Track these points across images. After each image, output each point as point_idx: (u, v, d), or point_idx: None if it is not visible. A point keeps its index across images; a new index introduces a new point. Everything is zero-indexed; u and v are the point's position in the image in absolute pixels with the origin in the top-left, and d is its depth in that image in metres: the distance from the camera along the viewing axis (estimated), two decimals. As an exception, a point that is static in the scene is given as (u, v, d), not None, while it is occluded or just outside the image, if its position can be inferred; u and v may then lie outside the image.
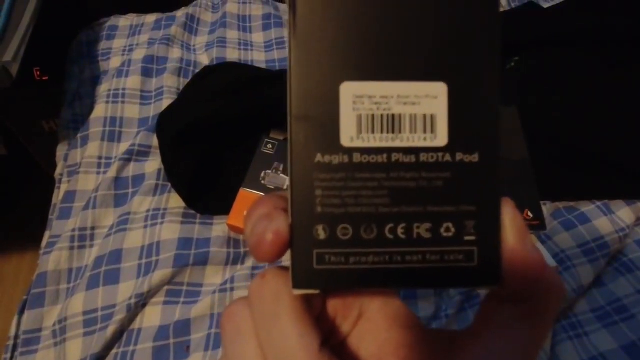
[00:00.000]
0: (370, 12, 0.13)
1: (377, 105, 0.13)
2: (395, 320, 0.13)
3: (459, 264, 0.13)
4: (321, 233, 0.13)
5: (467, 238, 0.13)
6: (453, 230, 0.13)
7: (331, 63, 0.13)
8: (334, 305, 0.14)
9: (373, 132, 0.13)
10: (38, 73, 0.70)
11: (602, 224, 0.48)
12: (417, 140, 0.13)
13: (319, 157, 0.14)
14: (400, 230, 0.14)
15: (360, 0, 0.13)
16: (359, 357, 0.13)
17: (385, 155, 0.13)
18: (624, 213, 0.49)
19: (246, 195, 0.46)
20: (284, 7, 0.71)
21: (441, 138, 0.13)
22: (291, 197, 0.14)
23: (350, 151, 0.13)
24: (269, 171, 0.48)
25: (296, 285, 0.13)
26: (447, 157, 0.13)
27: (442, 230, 0.13)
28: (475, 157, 0.13)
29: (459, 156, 0.13)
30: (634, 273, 0.45)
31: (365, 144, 0.13)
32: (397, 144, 0.13)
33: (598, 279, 0.46)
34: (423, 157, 0.13)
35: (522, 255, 0.13)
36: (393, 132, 0.13)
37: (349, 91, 0.13)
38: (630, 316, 0.43)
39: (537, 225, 0.44)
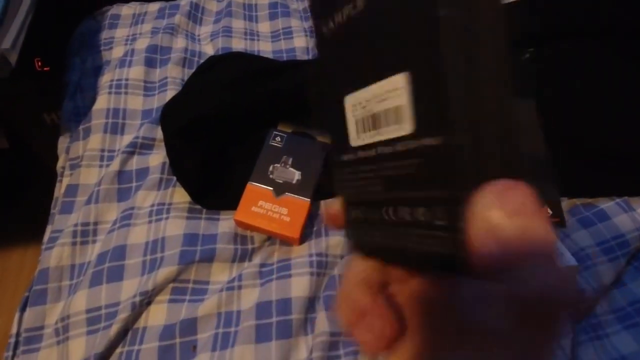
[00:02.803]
0: (355, 41, 0.15)
1: (364, 109, 0.15)
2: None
3: (434, 249, 0.13)
4: (349, 215, 0.17)
5: (437, 223, 0.13)
6: (427, 215, 0.13)
7: (338, 82, 0.16)
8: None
9: (364, 131, 0.15)
10: (39, 64, 0.68)
11: (622, 221, 0.46)
12: (392, 131, 0.14)
13: (342, 157, 0.17)
14: (391, 213, 0.15)
15: (350, 34, 0.15)
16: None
17: (374, 150, 0.15)
18: (645, 210, 0.47)
19: (254, 190, 0.44)
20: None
21: (407, 126, 0.13)
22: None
23: (355, 150, 0.16)
24: (278, 165, 0.46)
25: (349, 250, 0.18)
26: (414, 144, 0.13)
27: (419, 214, 0.14)
28: (438, 140, 0.13)
29: (426, 141, 0.13)
30: (656, 272, 0.44)
31: (362, 142, 0.16)
32: (379, 137, 0.15)
33: (618, 279, 0.44)
34: (397, 146, 0.14)
35: (485, 248, 0.11)
36: (375, 128, 0.15)
37: (349, 102, 0.16)
38: (652, 317, 0.41)
39: (555, 222, 0.43)
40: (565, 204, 0.50)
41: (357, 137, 0.16)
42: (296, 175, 0.45)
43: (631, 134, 0.50)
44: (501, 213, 0.11)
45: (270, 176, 0.45)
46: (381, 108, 0.14)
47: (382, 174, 0.15)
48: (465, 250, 0.12)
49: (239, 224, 0.44)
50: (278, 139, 0.47)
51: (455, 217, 0.12)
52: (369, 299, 0.16)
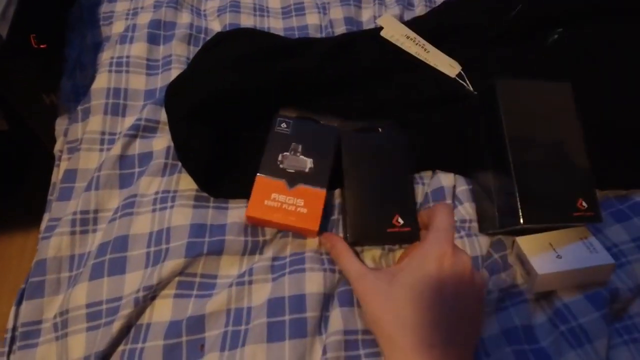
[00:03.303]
0: None
1: None
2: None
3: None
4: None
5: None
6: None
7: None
8: None
9: None
10: (35, 41, 0.64)
11: (661, 216, 0.43)
12: None
13: None
14: None
15: None
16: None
17: None
18: (686, 204, 0.44)
19: (264, 182, 0.41)
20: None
21: None
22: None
23: None
24: (287, 153, 0.42)
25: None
26: None
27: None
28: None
29: None
30: (696, 271, 0.41)
31: None
32: None
33: (656, 277, 0.41)
34: None
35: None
36: None
37: None
38: (692, 319, 0.38)
39: (590, 216, 0.39)
40: (597, 196, 0.47)
41: None
42: (308, 163, 0.42)
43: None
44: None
45: (281, 166, 0.42)
46: None
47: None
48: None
49: (251, 220, 0.41)
50: (284, 125, 0.44)
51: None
52: None
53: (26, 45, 0.62)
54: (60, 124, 0.51)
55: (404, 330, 0.31)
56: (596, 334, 0.37)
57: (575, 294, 0.40)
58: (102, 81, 0.49)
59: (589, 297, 0.39)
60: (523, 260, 0.41)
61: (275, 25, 0.58)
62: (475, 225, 0.43)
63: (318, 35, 0.57)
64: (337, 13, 0.58)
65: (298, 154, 0.42)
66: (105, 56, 0.52)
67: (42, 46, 0.64)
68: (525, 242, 0.41)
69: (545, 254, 0.40)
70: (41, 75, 0.68)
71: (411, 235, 0.40)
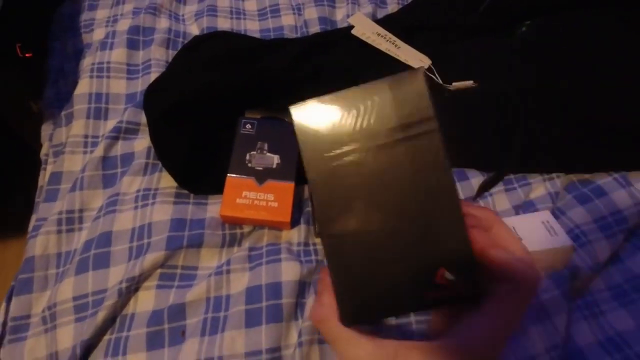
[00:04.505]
0: None
1: None
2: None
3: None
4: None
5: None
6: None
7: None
8: None
9: None
10: (20, 50, 0.66)
11: (620, 197, 0.45)
12: None
13: None
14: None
15: None
16: None
17: None
18: (644, 185, 0.46)
19: (234, 181, 0.43)
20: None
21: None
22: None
23: None
24: (254, 152, 0.44)
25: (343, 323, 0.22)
26: None
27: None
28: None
29: None
30: (654, 248, 0.43)
31: None
32: None
33: (615, 256, 0.43)
34: None
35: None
36: None
37: None
38: (649, 293, 0.40)
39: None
40: (562, 180, 0.49)
41: None
42: (275, 159, 0.44)
43: (630, 107, 0.49)
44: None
45: (249, 165, 0.44)
46: None
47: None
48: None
49: (225, 219, 0.43)
50: (249, 126, 0.46)
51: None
52: None
53: (12, 54, 0.63)
54: (46, 129, 0.53)
55: None
56: (556, 310, 0.39)
57: (538, 273, 0.42)
58: (84, 87, 0.51)
59: (550, 276, 0.41)
60: (488, 243, 0.43)
61: (252, 27, 0.60)
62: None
63: (293, 36, 0.59)
64: (311, 13, 0.60)
65: (264, 152, 0.44)
66: (86, 62, 0.54)
67: (27, 55, 0.66)
68: (490, 226, 0.43)
69: (508, 237, 0.42)
70: (27, 83, 0.70)
71: (470, 298, 0.21)
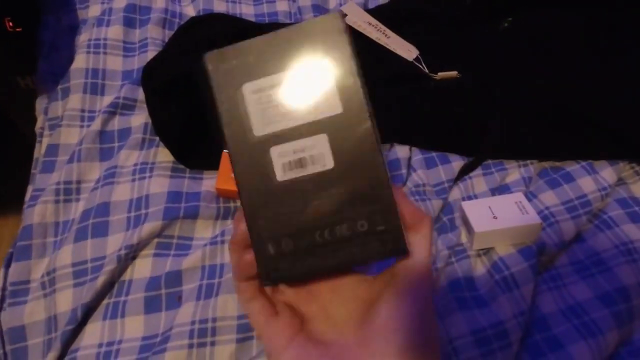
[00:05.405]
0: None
1: (295, 154, 0.21)
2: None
3: (376, 248, 0.21)
4: (270, 248, 0.21)
5: (378, 229, 0.20)
6: (366, 225, 0.20)
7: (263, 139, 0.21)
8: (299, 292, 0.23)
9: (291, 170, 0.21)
10: (10, 24, 0.65)
11: (586, 183, 0.49)
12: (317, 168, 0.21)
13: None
14: (327, 234, 0.21)
15: None
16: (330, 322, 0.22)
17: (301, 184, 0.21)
18: (607, 173, 0.50)
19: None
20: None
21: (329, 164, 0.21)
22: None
23: (283, 184, 0.21)
24: None
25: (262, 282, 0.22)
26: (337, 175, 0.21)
27: (358, 227, 0.21)
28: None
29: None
30: (613, 230, 0.47)
31: (288, 178, 0.21)
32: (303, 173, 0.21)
33: (579, 235, 0.48)
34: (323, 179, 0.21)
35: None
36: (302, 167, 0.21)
37: (276, 152, 0.21)
38: (606, 269, 0.45)
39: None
40: (535, 166, 0.53)
41: (283, 175, 0.21)
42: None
43: (597, 100, 0.53)
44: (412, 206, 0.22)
45: None
46: (308, 154, 0.21)
47: (312, 203, 0.20)
48: (404, 242, 0.20)
49: (220, 192, 0.45)
50: None
51: (394, 221, 0.20)
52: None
53: (1, 29, 0.63)
54: (40, 103, 0.53)
55: None
56: (523, 281, 0.43)
57: (510, 249, 0.46)
58: (80, 62, 0.52)
59: (520, 250, 0.45)
60: (465, 221, 0.47)
61: (247, 11, 0.61)
62: (429, 188, 0.49)
63: (287, 21, 0.61)
64: (305, 0, 0.62)
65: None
66: (82, 38, 0.55)
67: (17, 29, 0.65)
68: (468, 206, 0.47)
69: (484, 215, 0.46)
70: (16, 59, 0.69)
71: (394, 250, 0.21)
